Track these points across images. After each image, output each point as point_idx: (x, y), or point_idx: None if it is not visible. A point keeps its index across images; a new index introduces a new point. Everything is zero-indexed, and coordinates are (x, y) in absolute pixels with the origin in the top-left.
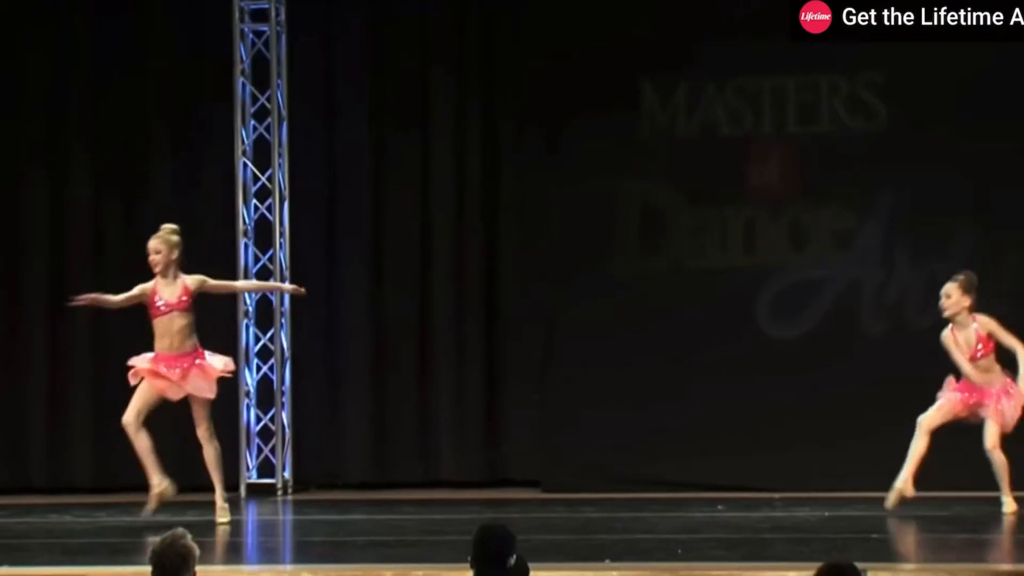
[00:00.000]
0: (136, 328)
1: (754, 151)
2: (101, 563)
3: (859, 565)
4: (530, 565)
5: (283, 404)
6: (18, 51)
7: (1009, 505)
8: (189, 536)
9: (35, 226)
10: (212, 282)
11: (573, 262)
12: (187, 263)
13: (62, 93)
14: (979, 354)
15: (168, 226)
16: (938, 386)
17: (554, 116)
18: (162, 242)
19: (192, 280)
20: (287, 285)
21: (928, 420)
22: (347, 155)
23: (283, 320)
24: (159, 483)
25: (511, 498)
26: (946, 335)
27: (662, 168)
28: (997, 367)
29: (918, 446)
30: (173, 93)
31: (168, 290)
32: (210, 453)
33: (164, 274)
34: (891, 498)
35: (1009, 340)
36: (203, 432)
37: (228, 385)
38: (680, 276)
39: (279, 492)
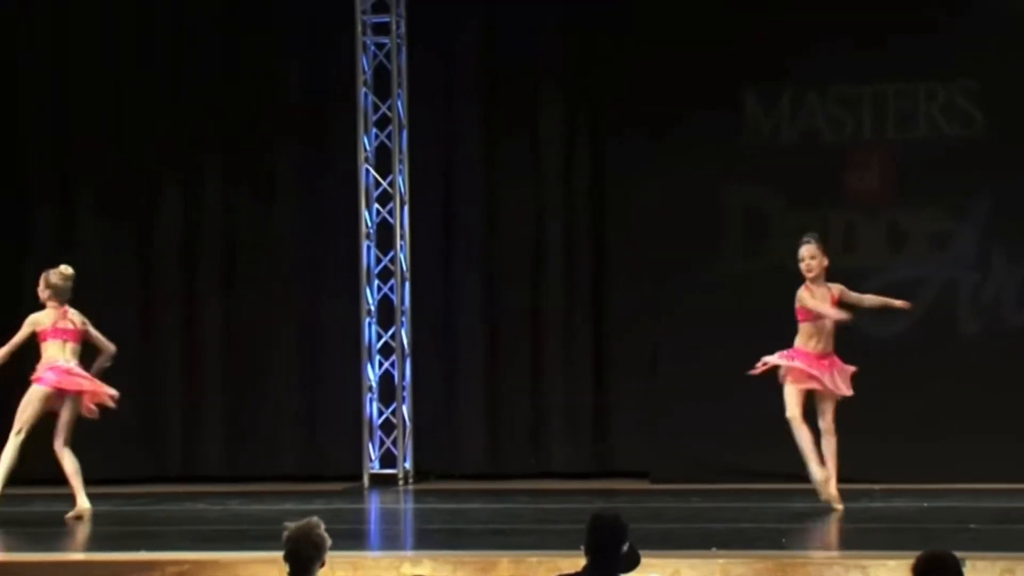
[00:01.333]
0: (266, 326)
1: (854, 156)
2: (234, 549)
3: (959, 554)
4: (640, 553)
5: (404, 398)
6: (151, 60)
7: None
8: (322, 526)
9: (170, 225)
10: None
11: (679, 262)
12: (310, 265)
13: (194, 100)
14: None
15: None
16: None
17: (659, 122)
18: None
19: None
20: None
21: (792, 411)
22: (463, 160)
23: (403, 318)
24: None
25: (620, 488)
26: (803, 291)
27: (764, 173)
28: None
29: (802, 437)
30: (300, 102)
31: None
32: None
33: None
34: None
35: (866, 300)
36: None
37: (352, 380)
38: (782, 276)
39: (400, 482)
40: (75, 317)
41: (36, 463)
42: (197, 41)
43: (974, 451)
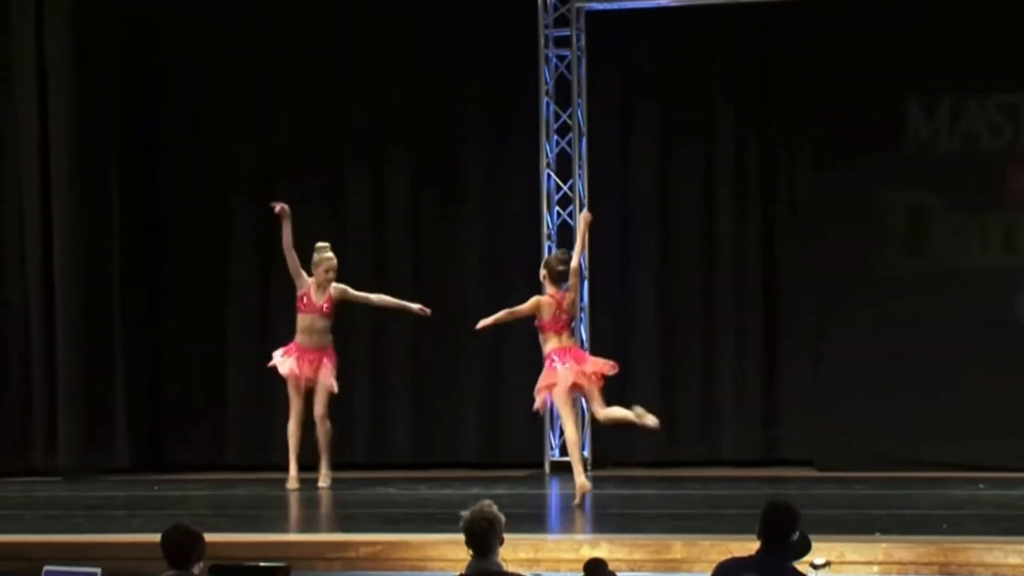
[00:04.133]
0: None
1: (1013, 161)
2: (423, 531)
3: None
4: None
5: None
6: (350, 68)
7: None
8: (495, 506)
9: (358, 224)
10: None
11: (845, 261)
12: (495, 265)
13: (385, 105)
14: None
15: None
16: None
17: (827, 130)
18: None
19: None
20: (414, 305)
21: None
22: (639, 167)
23: (583, 315)
24: None
25: (787, 476)
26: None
27: (926, 177)
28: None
29: (570, 432)
30: (486, 110)
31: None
32: None
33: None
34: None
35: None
36: None
37: (534, 374)
38: (943, 274)
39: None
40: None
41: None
42: (390, 53)
43: None
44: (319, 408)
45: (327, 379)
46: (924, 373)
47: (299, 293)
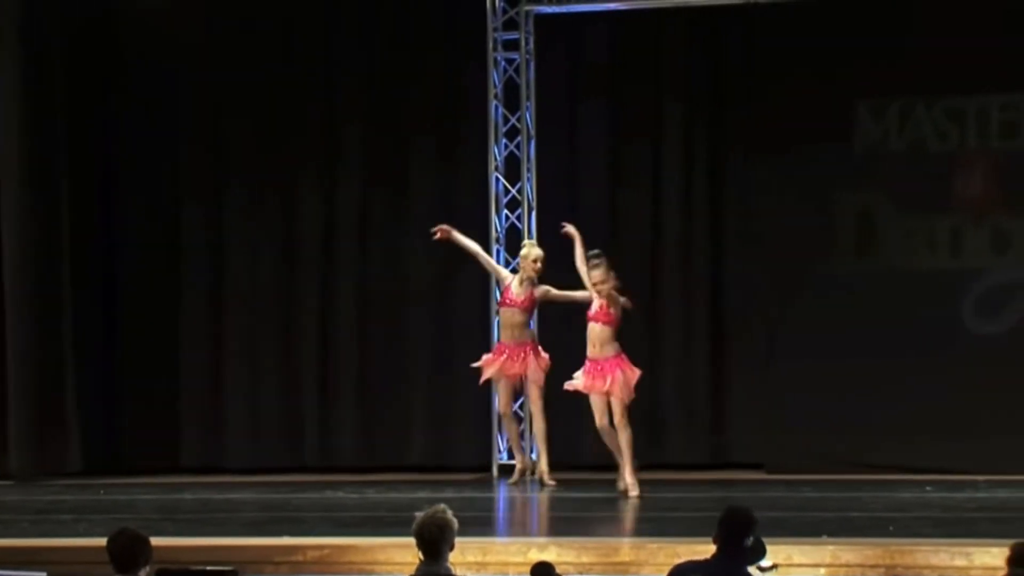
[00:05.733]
0: (400, 323)
1: (959, 164)
2: (371, 535)
3: None
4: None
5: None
6: (299, 71)
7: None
8: (449, 512)
9: (309, 227)
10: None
11: (794, 264)
12: (443, 267)
13: (335, 109)
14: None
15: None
16: None
17: (776, 132)
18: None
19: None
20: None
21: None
22: (587, 170)
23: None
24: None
25: (735, 479)
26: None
27: (875, 180)
28: None
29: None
30: (435, 113)
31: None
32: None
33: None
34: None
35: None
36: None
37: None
38: (891, 277)
39: (527, 472)
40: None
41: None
42: (340, 57)
43: None
44: (533, 405)
45: (535, 373)
46: (872, 375)
47: (502, 287)
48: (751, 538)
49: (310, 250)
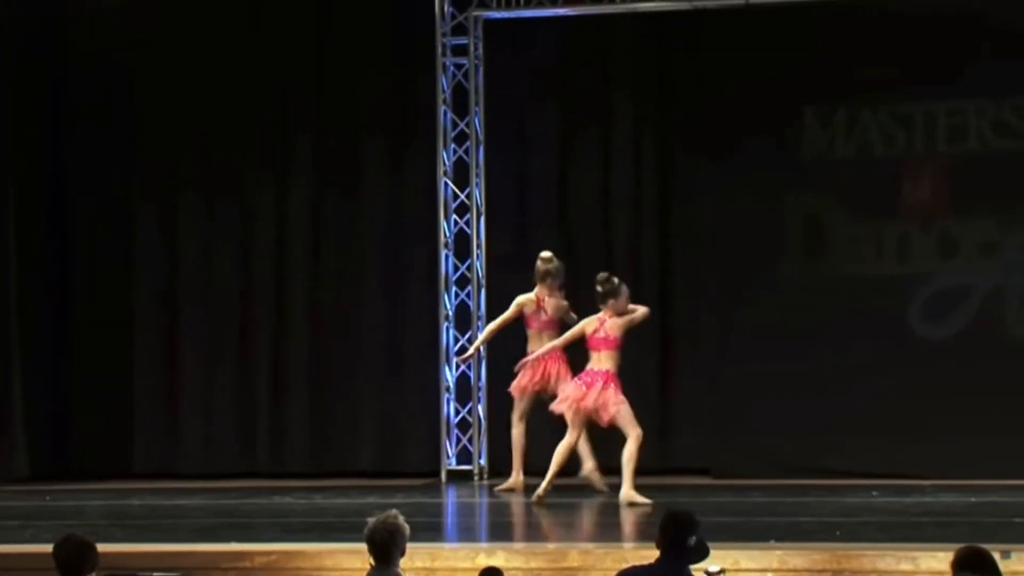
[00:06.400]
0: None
1: (906, 169)
2: (319, 540)
3: (1005, 547)
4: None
5: (479, 398)
6: (250, 73)
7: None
8: (401, 517)
9: (263, 229)
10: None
11: (743, 267)
12: (393, 273)
13: (287, 113)
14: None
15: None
16: None
17: (724, 136)
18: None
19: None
20: None
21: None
22: (536, 175)
23: (479, 323)
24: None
25: (683, 484)
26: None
27: (823, 184)
28: None
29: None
30: (385, 119)
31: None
32: None
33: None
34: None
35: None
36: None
37: (431, 381)
38: (840, 281)
39: (476, 478)
40: (549, 304)
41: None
42: (293, 61)
43: (1020, 449)
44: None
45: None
46: (821, 380)
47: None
48: (693, 538)
49: (263, 254)
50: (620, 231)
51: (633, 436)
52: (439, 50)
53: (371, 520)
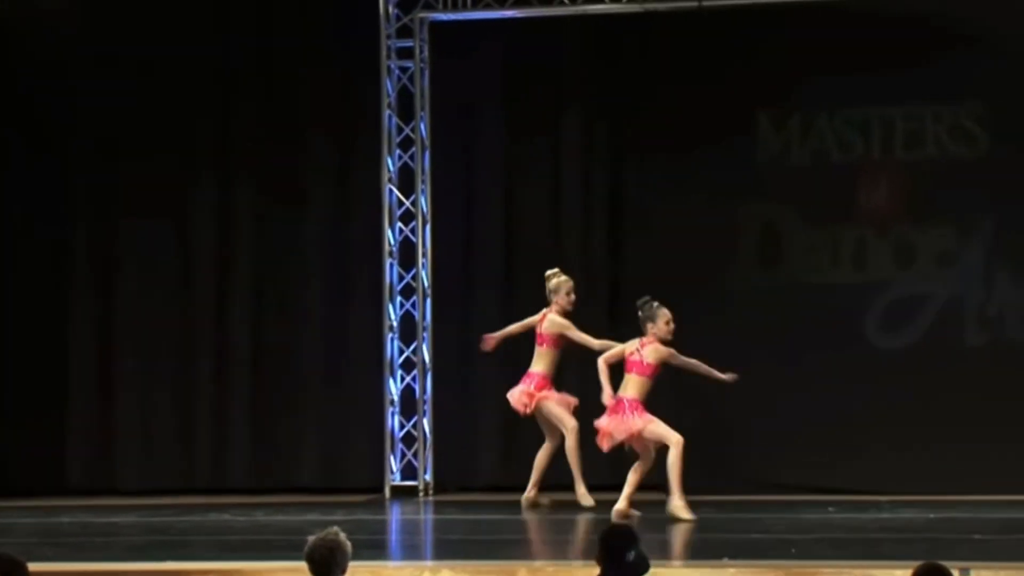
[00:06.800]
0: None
1: (863, 176)
2: (258, 559)
3: (963, 564)
4: (653, 563)
5: (425, 412)
6: (190, 79)
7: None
8: (342, 534)
9: (203, 240)
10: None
11: (696, 275)
12: (336, 281)
13: (229, 120)
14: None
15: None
16: None
17: (675, 142)
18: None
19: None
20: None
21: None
22: (484, 181)
23: (425, 334)
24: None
25: (635, 499)
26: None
27: (777, 191)
28: None
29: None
30: (329, 124)
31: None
32: None
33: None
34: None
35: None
36: None
37: (375, 395)
38: (795, 290)
39: (420, 493)
40: (545, 321)
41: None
42: (234, 67)
43: (979, 463)
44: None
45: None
46: (775, 392)
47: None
48: (632, 553)
49: (203, 265)
50: (570, 238)
51: (673, 443)
52: (383, 53)
53: (311, 538)
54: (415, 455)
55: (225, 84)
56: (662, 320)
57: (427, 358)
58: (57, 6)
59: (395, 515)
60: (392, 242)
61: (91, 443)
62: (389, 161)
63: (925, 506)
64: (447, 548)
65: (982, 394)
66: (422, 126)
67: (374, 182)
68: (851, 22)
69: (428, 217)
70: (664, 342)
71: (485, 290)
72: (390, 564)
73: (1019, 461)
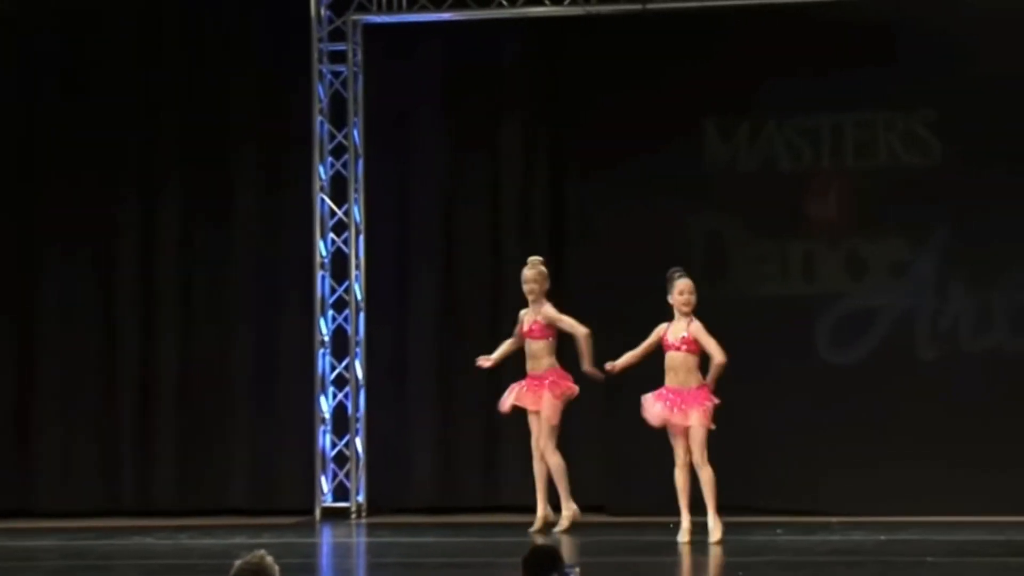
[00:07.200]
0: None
1: (813, 185)
2: None
3: None
4: None
5: (357, 430)
6: (115, 85)
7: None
8: (268, 557)
9: (128, 254)
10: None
11: (639, 287)
12: (265, 295)
13: (155, 128)
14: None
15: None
16: (994, 409)
17: (618, 150)
18: (538, 274)
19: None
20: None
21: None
22: (420, 190)
23: (358, 349)
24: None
25: (577, 522)
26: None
27: (724, 201)
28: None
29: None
30: (258, 131)
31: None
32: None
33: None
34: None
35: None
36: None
37: (305, 412)
38: (742, 302)
39: (353, 515)
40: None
41: None
42: (160, 73)
43: (932, 483)
44: (540, 440)
45: (546, 410)
46: (722, 408)
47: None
48: (555, 574)
49: (128, 280)
50: (508, 248)
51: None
52: (315, 56)
53: (237, 561)
54: (347, 475)
55: (149, 91)
56: (675, 290)
57: (360, 374)
58: None
59: (326, 538)
60: (324, 254)
61: (6, 464)
62: (321, 169)
63: (876, 527)
64: (380, 572)
65: (935, 410)
66: (355, 133)
67: (305, 191)
68: (801, 27)
69: (362, 227)
70: (683, 313)
71: (421, 303)
72: None
73: (972, 481)
